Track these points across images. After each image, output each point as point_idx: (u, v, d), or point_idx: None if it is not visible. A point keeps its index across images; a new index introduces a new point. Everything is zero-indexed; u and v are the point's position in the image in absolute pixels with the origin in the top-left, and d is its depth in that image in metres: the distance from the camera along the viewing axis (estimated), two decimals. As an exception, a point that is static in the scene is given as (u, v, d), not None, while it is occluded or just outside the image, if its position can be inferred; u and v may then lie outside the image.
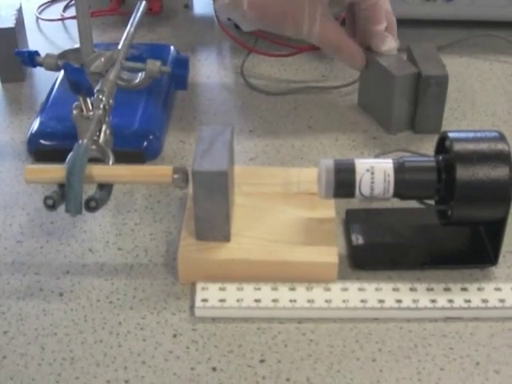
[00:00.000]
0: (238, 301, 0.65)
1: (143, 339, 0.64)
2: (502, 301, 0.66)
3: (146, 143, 0.83)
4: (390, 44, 0.86)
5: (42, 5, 1.18)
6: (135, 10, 0.89)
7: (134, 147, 0.82)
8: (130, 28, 0.85)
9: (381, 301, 0.66)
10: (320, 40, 0.84)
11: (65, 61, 0.80)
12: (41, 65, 0.82)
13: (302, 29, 0.83)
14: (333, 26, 0.84)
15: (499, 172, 0.64)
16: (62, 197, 0.66)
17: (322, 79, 0.99)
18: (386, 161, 0.67)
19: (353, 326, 0.65)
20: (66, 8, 1.17)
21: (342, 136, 0.87)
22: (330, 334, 0.64)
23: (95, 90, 0.75)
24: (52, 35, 1.11)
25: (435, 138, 0.70)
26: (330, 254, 0.67)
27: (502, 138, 0.66)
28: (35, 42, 1.06)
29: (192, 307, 0.66)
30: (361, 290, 0.66)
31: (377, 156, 0.83)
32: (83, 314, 0.66)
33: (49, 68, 0.81)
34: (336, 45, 0.85)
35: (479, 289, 0.67)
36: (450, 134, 0.67)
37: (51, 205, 0.66)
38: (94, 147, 0.71)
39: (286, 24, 0.82)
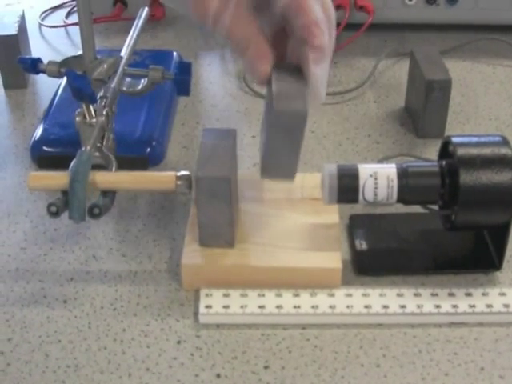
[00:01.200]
0: (241, 307, 0.65)
1: (147, 346, 0.64)
2: (506, 306, 0.65)
3: (148, 149, 0.83)
4: (321, 71, 0.65)
5: (45, 11, 1.18)
6: (138, 16, 0.89)
7: (137, 153, 0.82)
8: (132, 34, 0.85)
9: (385, 306, 0.65)
10: (228, 33, 0.66)
11: (67, 68, 0.80)
12: (43, 72, 0.81)
13: (208, 13, 0.65)
14: (246, 20, 0.66)
15: (503, 176, 0.64)
16: (65, 204, 0.66)
17: (324, 84, 0.99)
18: (390, 166, 0.67)
19: (357, 332, 0.65)
20: (68, 15, 1.17)
21: (345, 141, 0.87)
22: (334, 340, 0.64)
23: (98, 97, 0.74)
24: (54, 42, 1.11)
25: (438, 143, 0.70)
26: (333, 260, 0.67)
27: (505, 142, 0.66)
28: (38, 48, 1.06)
29: (196, 314, 0.66)
30: (365, 295, 0.66)
31: (380, 161, 0.83)
32: (87, 321, 0.66)
33: (51, 75, 0.81)
34: (244, 41, 0.66)
35: (483, 294, 0.67)
36: (454, 139, 0.66)
37: (55, 212, 0.66)
38: (97, 154, 0.71)
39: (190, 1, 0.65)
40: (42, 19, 1.16)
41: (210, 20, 0.65)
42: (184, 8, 0.67)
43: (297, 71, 0.65)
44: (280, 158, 0.65)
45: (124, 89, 0.81)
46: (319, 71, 0.64)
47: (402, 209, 0.70)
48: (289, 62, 0.67)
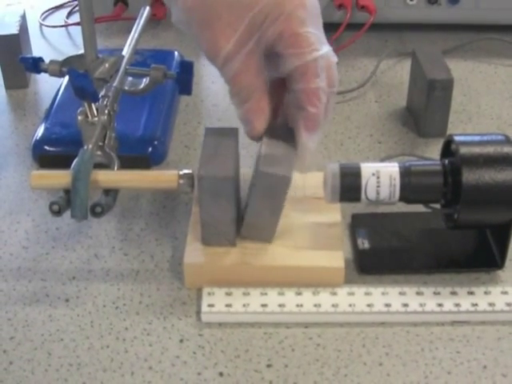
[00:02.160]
0: (244, 306, 0.65)
1: (150, 344, 0.63)
2: (508, 304, 0.65)
3: (150, 148, 0.83)
4: (312, 140, 0.66)
5: (46, 11, 1.18)
6: (139, 15, 0.89)
7: (139, 152, 0.82)
8: (134, 34, 0.85)
9: (387, 305, 0.65)
10: (233, 78, 0.66)
11: (69, 67, 0.80)
12: (45, 71, 0.81)
13: (219, 54, 0.65)
14: (255, 70, 0.65)
15: (505, 175, 0.64)
16: (67, 202, 0.66)
17: (326, 84, 0.99)
18: (392, 164, 0.67)
19: (359, 331, 0.64)
20: (69, 14, 1.17)
21: (346, 140, 0.87)
22: (337, 339, 0.64)
23: (100, 96, 0.75)
24: (55, 42, 1.11)
25: (440, 142, 0.70)
26: (336, 259, 0.67)
27: (508, 141, 0.66)
28: (39, 48, 1.06)
29: (198, 312, 0.66)
30: (367, 294, 0.66)
31: (382, 160, 0.82)
32: (89, 320, 0.66)
33: (53, 74, 0.81)
34: (247, 91, 0.66)
35: (486, 292, 0.67)
36: (456, 138, 0.66)
37: (57, 210, 0.66)
38: (99, 153, 0.71)
39: (206, 34, 0.65)
40: (43, 19, 1.16)
41: (219, 61, 0.65)
42: (197, 43, 0.67)
43: (288, 133, 0.67)
44: (260, 219, 0.67)
45: (126, 88, 0.81)
46: (310, 142, 0.66)
47: (404, 208, 0.70)
48: (282, 123, 0.68)
